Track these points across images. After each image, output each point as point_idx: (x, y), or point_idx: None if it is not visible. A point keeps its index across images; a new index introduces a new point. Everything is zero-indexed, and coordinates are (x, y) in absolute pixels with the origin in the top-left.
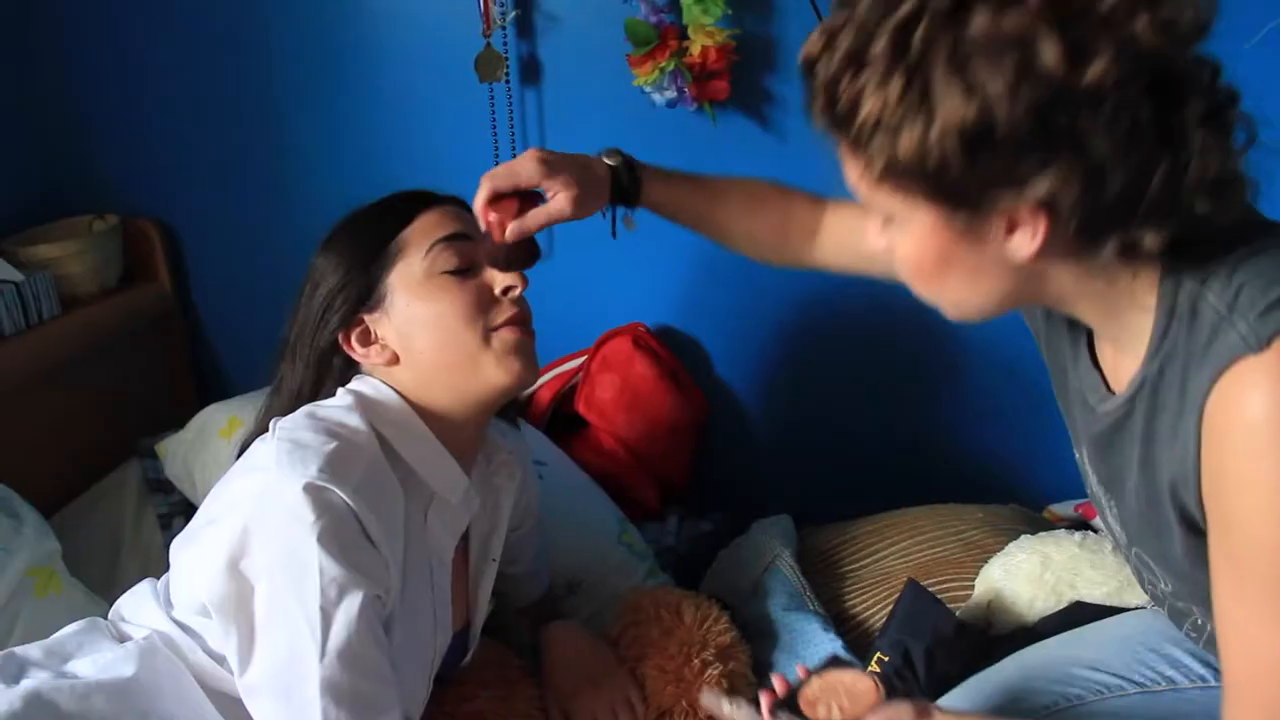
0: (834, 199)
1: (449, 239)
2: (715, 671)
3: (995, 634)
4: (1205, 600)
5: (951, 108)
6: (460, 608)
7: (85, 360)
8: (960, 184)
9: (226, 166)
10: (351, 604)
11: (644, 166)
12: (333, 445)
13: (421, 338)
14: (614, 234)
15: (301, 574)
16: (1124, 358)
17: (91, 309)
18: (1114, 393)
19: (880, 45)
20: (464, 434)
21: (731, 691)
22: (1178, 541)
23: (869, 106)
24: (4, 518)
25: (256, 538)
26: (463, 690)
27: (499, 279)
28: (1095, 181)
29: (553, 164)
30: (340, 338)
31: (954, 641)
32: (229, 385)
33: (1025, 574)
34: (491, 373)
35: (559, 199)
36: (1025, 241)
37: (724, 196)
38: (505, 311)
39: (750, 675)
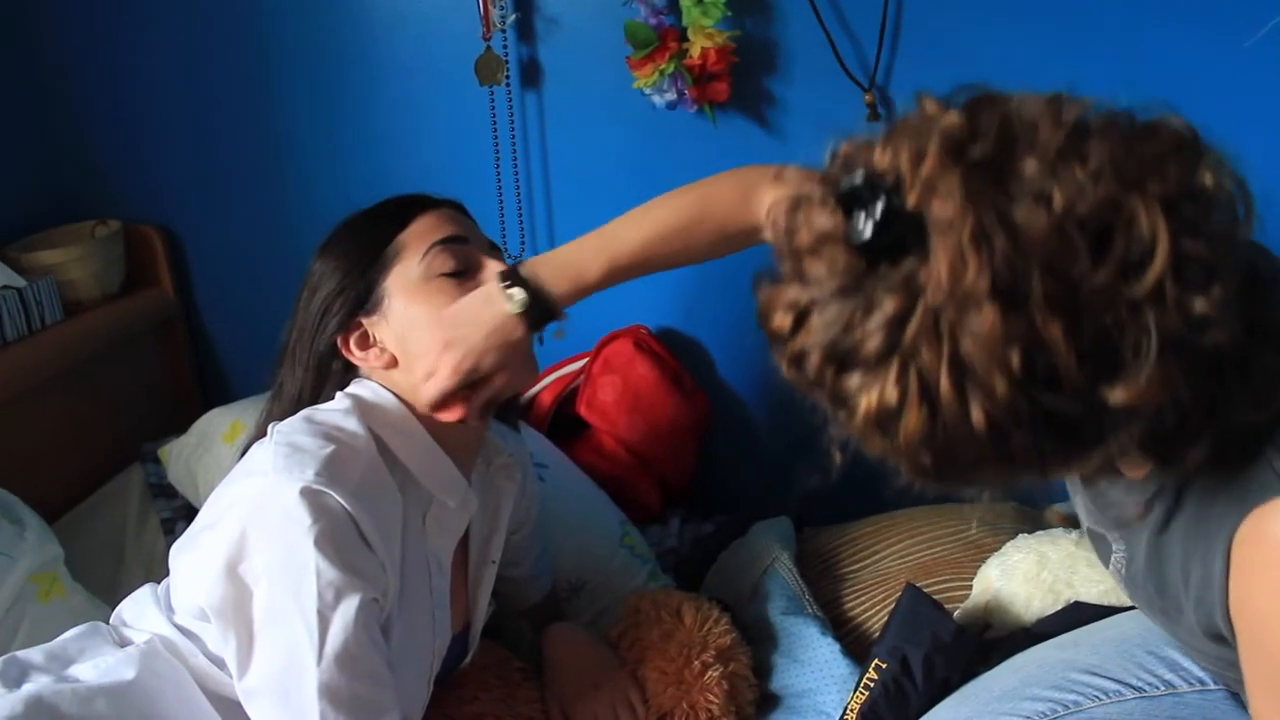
0: (743, 174)
1: (446, 241)
2: (716, 673)
3: (993, 635)
4: (1205, 655)
5: (956, 414)
6: (460, 610)
7: (88, 365)
8: (963, 472)
9: (228, 171)
10: (349, 607)
11: (550, 289)
12: (330, 449)
13: (418, 341)
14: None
15: (299, 577)
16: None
17: (94, 314)
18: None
19: (870, 345)
20: (462, 437)
21: (733, 693)
22: (1185, 625)
23: (862, 403)
24: (7, 523)
25: (254, 541)
26: (463, 692)
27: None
28: (1121, 456)
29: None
30: (339, 342)
31: (952, 647)
32: (232, 390)
33: (1022, 574)
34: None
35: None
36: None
37: (655, 246)
38: None
39: (751, 677)
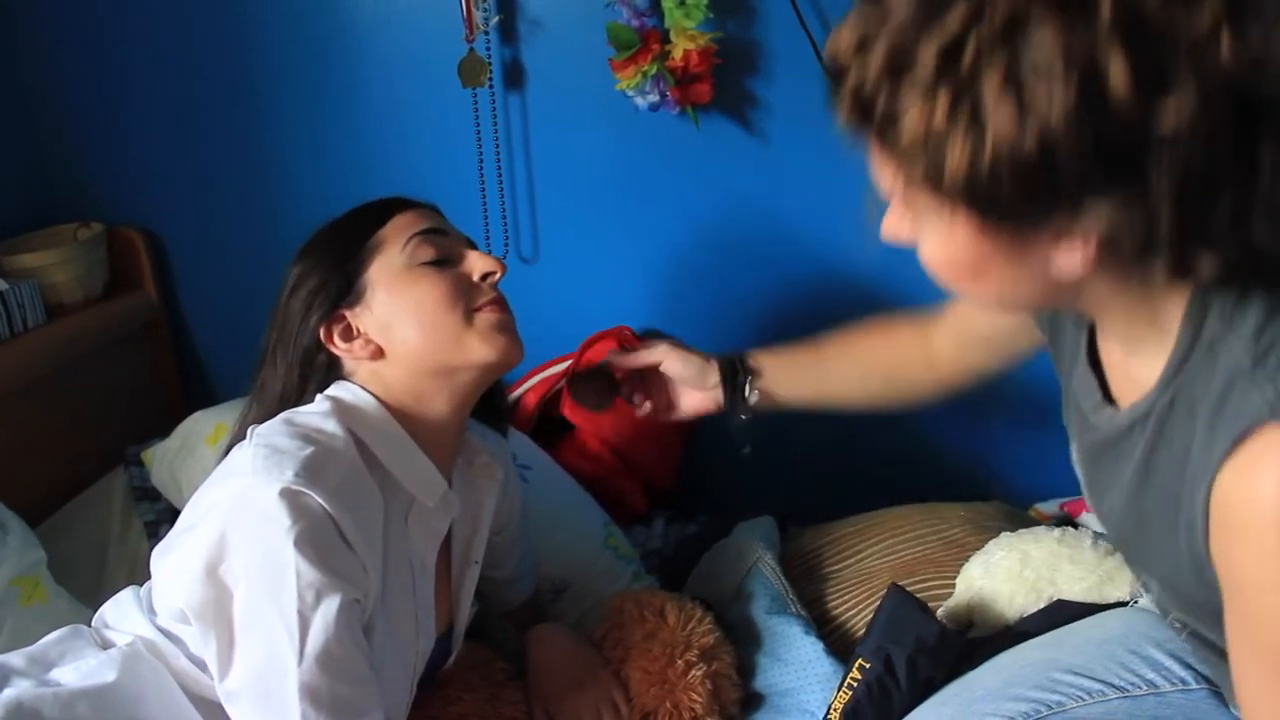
0: (929, 317)
1: (426, 232)
2: (699, 672)
3: (976, 634)
4: (1190, 609)
5: (1005, 132)
6: (443, 611)
7: (71, 368)
8: (1009, 205)
9: (211, 174)
10: (329, 608)
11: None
12: (309, 450)
13: (404, 326)
14: (744, 448)
15: (279, 579)
16: (1135, 367)
17: (77, 317)
18: (1112, 403)
19: (925, 59)
20: (443, 434)
21: (716, 692)
22: (1168, 563)
23: (911, 123)
24: None
25: (234, 543)
26: (447, 693)
27: (477, 265)
28: (1157, 213)
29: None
30: (322, 334)
31: (936, 648)
32: (215, 392)
33: (1005, 571)
34: (477, 350)
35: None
36: (1072, 262)
37: (831, 375)
38: (485, 294)
39: (734, 676)
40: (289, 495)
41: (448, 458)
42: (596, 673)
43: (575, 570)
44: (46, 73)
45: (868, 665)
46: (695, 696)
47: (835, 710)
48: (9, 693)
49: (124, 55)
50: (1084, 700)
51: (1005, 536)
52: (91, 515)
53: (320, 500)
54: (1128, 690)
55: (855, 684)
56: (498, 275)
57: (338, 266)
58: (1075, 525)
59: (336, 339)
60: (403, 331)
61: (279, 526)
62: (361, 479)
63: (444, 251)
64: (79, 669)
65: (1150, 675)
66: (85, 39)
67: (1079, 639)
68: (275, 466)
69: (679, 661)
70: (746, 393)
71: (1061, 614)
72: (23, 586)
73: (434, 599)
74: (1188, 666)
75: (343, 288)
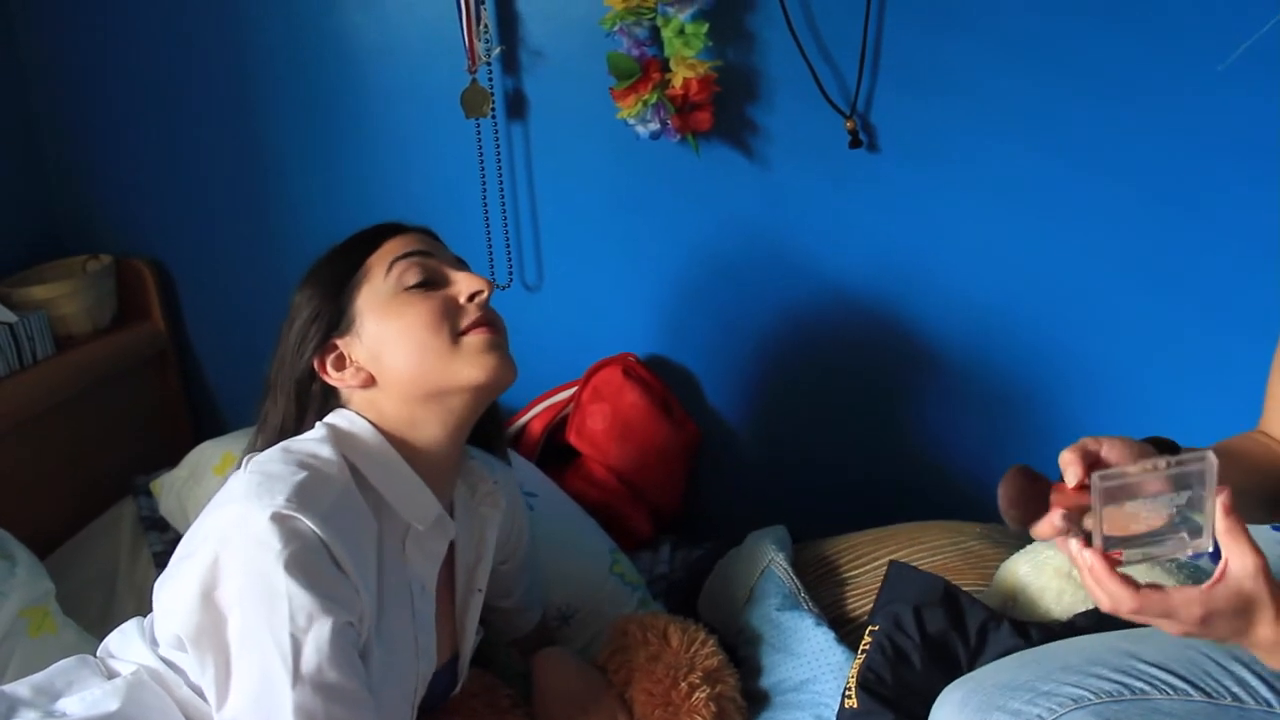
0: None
1: (409, 255)
2: (703, 695)
3: (1021, 619)
4: None
5: None
6: (447, 638)
7: (80, 399)
8: None
9: (218, 205)
10: (322, 630)
11: None
12: (302, 475)
13: (392, 353)
14: None
15: (271, 602)
16: None
17: (86, 348)
18: None
19: None
20: (440, 459)
21: (721, 714)
22: None
23: None
24: None
25: (227, 568)
26: None
27: (464, 285)
28: None
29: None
30: (316, 364)
31: (942, 602)
32: (223, 422)
33: (1053, 569)
34: (466, 373)
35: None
36: None
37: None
38: (471, 315)
39: (739, 699)
40: (280, 519)
41: (445, 483)
42: (600, 697)
43: (581, 596)
44: (55, 106)
45: (876, 628)
46: (699, 719)
47: (851, 678)
48: None
49: (130, 90)
50: (1168, 694)
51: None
52: (100, 546)
53: (311, 524)
54: (1212, 696)
55: (868, 648)
56: (485, 294)
57: (330, 296)
58: None
59: (329, 368)
60: (391, 358)
61: (270, 551)
62: (354, 503)
63: (429, 274)
64: (84, 699)
65: (1235, 689)
66: (92, 74)
67: (1161, 638)
68: (267, 492)
69: (683, 684)
70: None
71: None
72: (31, 617)
73: (436, 624)
74: (1273, 689)
75: (335, 317)
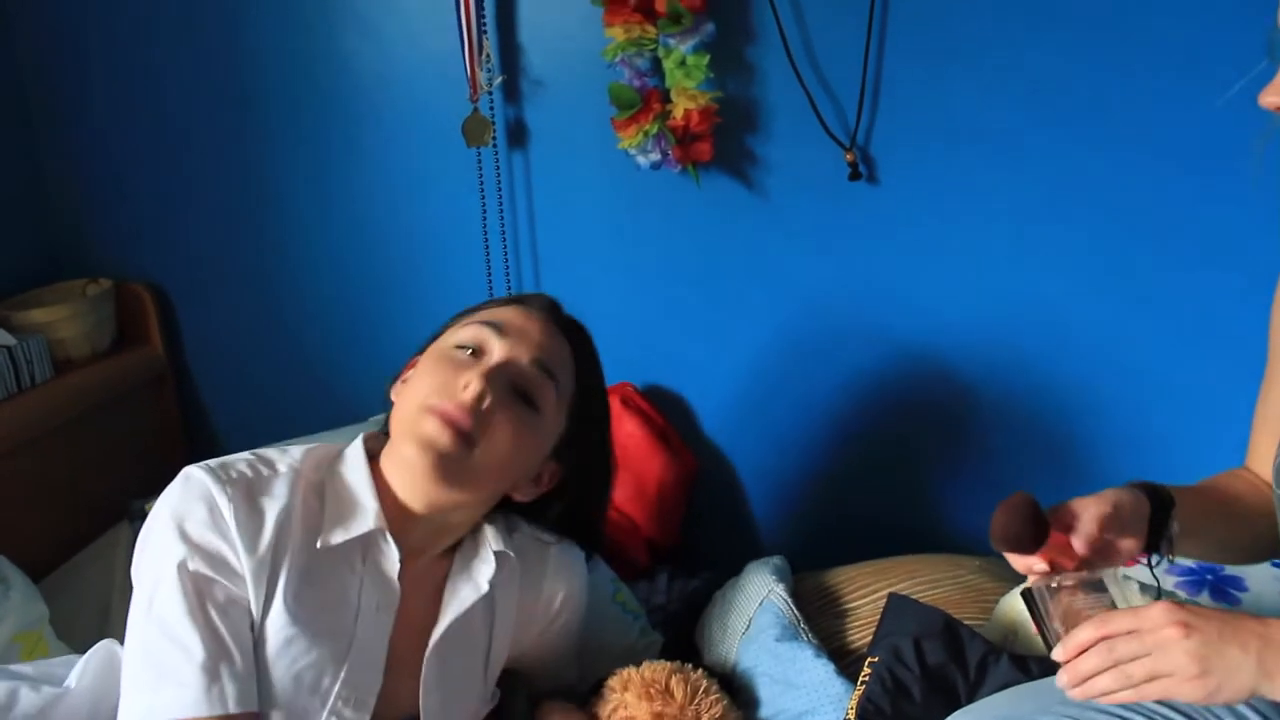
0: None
1: (481, 322)
2: None
3: (1021, 653)
4: None
5: None
6: (406, 687)
7: (77, 423)
8: None
9: (218, 231)
10: (171, 571)
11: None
12: (240, 458)
13: (410, 382)
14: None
15: (145, 539)
16: None
17: (84, 372)
18: None
19: None
20: (401, 505)
21: None
22: None
23: None
24: None
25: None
26: None
27: (466, 373)
28: None
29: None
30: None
31: (943, 635)
32: (220, 447)
33: None
34: (397, 448)
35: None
36: None
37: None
38: (446, 401)
39: None
40: (186, 476)
41: (413, 532)
42: None
43: (585, 625)
44: (56, 131)
45: (875, 659)
46: None
47: (851, 710)
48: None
49: (131, 115)
50: None
51: None
52: (95, 570)
53: (212, 485)
54: None
55: (867, 679)
56: (472, 391)
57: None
58: None
59: (400, 380)
60: (404, 392)
61: (165, 497)
62: (292, 498)
63: (474, 340)
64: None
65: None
66: (93, 98)
67: None
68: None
69: None
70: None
71: None
72: (24, 642)
73: (398, 667)
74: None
75: (435, 336)
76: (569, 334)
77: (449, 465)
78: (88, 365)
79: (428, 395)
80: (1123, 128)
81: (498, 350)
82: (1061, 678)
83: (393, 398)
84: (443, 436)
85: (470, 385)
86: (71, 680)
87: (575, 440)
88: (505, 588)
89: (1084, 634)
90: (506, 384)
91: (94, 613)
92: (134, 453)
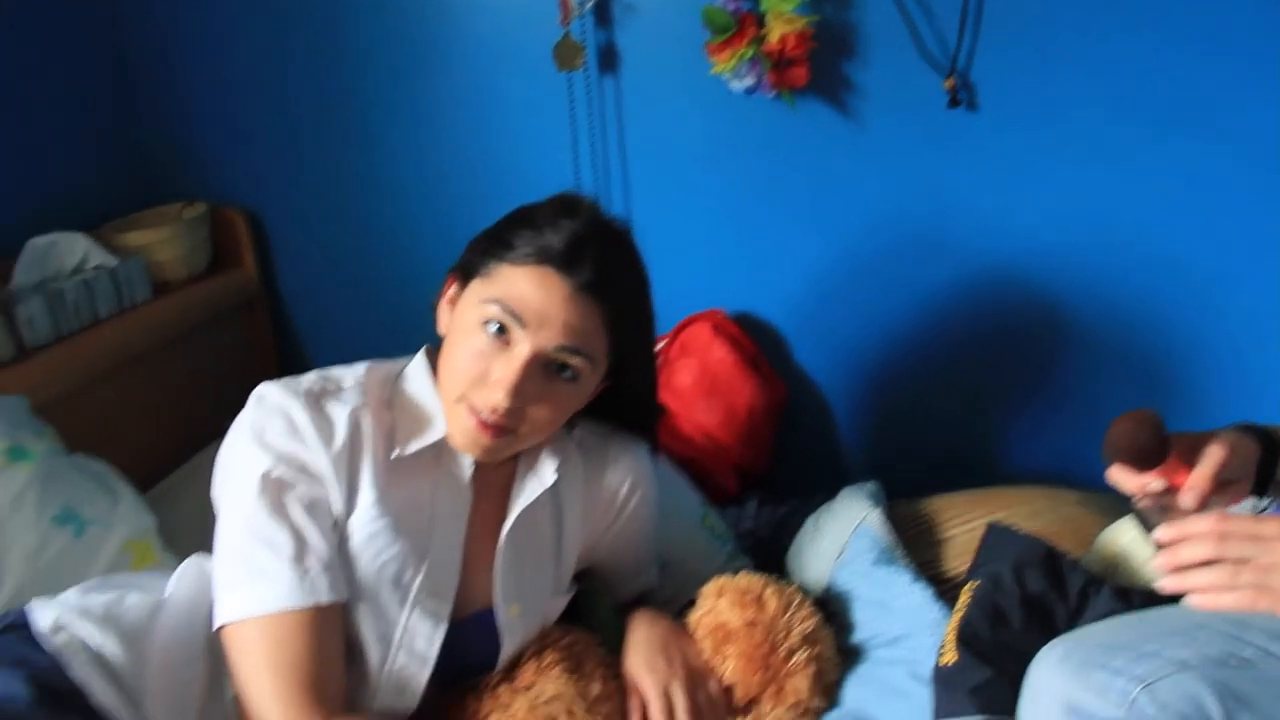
0: None
1: (503, 306)
2: (802, 657)
3: (1126, 586)
4: None
5: None
6: (479, 581)
7: (175, 343)
8: None
9: (312, 156)
10: (255, 480)
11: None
12: (309, 374)
13: (447, 347)
14: None
15: (227, 456)
16: None
17: (181, 294)
18: None
19: None
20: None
21: (819, 674)
22: None
23: None
24: (101, 493)
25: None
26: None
27: (498, 369)
28: None
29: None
30: (447, 283)
31: (1044, 563)
32: (311, 367)
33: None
34: (454, 427)
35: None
36: None
37: None
38: (479, 399)
39: (836, 658)
40: (257, 394)
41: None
42: (675, 657)
43: (673, 548)
44: (152, 58)
45: (976, 584)
46: (799, 682)
47: (950, 636)
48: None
49: (227, 42)
50: (1278, 663)
51: None
52: (196, 484)
53: (285, 397)
54: None
55: (966, 605)
56: (499, 397)
57: (481, 247)
58: None
59: (446, 299)
60: (448, 345)
61: (241, 416)
62: (358, 403)
63: (505, 325)
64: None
65: None
66: (189, 26)
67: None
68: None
69: (781, 649)
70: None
71: None
72: (134, 550)
73: (473, 561)
74: None
75: (470, 266)
76: (596, 292)
77: (494, 452)
78: (184, 287)
79: (462, 385)
80: (1240, 59)
81: (521, 343)
82: (1159, 559)
83: (440, 320)
84: (483, 437)
85: (498, 399)
86: (168, 590)
87: (619, 366)
88: (569, 480)
89: (1201, 523)
90: (536, 372)
91: (197, 524)
92: (229, 373)
